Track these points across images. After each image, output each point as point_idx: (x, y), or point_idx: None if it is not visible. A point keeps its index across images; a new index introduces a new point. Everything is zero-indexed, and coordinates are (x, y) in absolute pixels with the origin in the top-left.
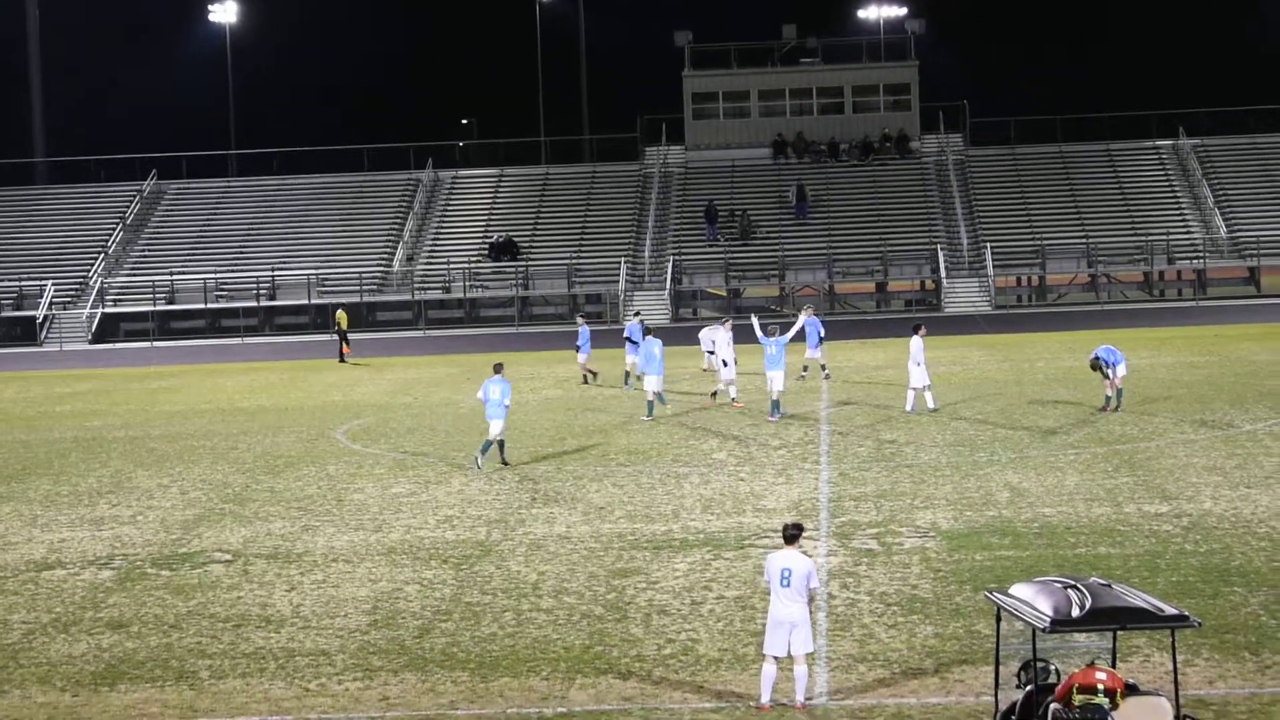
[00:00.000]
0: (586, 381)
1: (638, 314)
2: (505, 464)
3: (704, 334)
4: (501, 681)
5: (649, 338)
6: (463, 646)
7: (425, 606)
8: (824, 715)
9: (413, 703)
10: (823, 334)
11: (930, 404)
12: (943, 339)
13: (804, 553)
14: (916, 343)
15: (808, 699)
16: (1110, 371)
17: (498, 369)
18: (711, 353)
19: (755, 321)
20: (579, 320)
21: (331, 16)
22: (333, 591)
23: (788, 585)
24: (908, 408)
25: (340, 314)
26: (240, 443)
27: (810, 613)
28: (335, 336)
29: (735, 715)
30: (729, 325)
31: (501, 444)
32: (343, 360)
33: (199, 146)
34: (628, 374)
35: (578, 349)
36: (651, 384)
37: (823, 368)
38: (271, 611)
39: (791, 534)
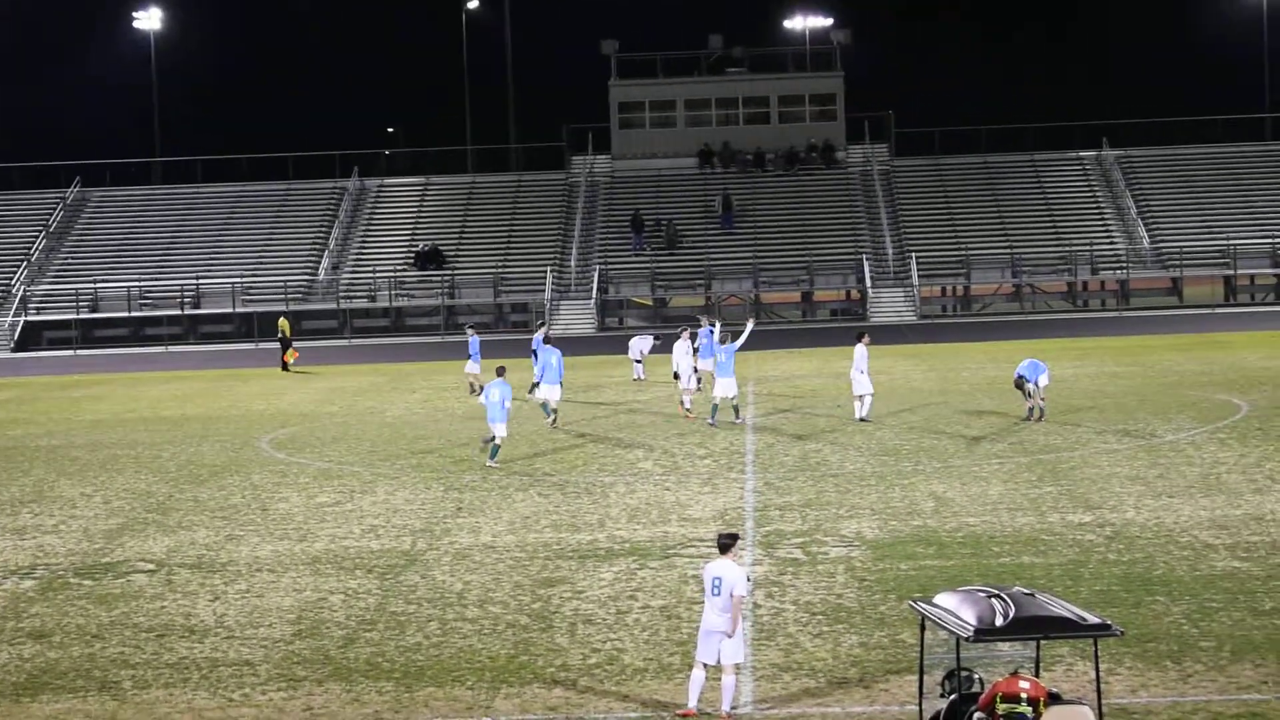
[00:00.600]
0: (474, 392)
1: (542, 324)
2: (491, 464)
3: (633, 343)
4: (426, 691)
5: (547, 347)
6: (388, 656)
7: (350, 616)
8: None
9: (337, 713)
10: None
11: (860, 413)
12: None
13: (738, 562)
14: (860, 351)
15: (734, 708)
16: (1032, 385)
17: (500, 372)
18: (639, 361)
19: (715, 329)
20: (469, 331)
21: (256, 24)
22: (257, 601)
23: (718, 594)
24: (857, 416)
25: (283, 321)
26: (164, 452)
27: (735, 618)
28: (278, 344)
29: None
30: (687, 335)
31: (496, 447)
32: (286, 368)
33: (123, 154)
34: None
35: (470, 358)
36: (551, 394)
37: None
38: (195, 621)
39: (724, 543)
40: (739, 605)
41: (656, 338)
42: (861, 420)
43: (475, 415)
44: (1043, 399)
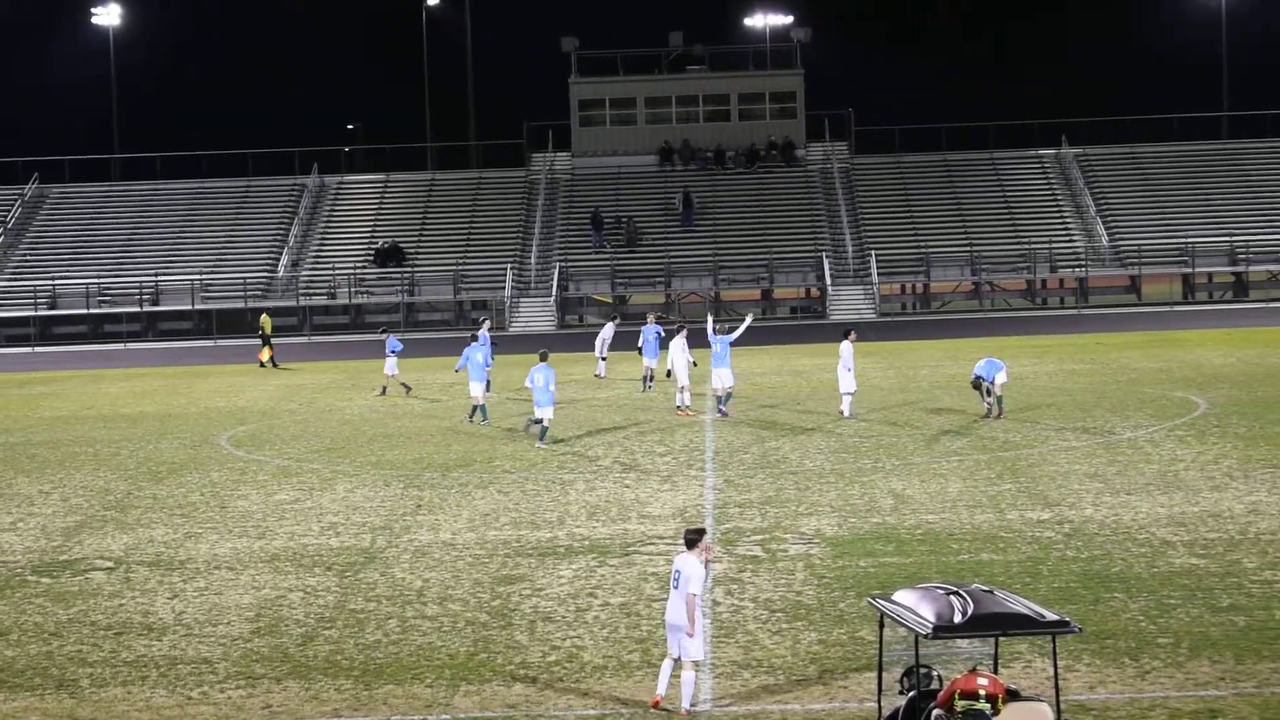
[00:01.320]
0: (384, 393)
1: (484, 320)
2: (540, 446)
3: (599, 340)
4: (386, 689)
5: (473, 344)
6: (347, 654)
7: (309, 614)
8: None
9: (296, 710)
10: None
11: (844, 411)
12: (827, 346)
13: (707, 560)
14: (846, 348)
15: (693, 706)
16: (989, 384)
17: (543, 357)
18: (604, 359)
19: (710, 321)
20: (382, 331)
21: (216, 21)
22: (215, 599)
23: (678, 587)
24: (845, 414)
25: (265, 318)
26: (123, 449)
27: (692, 616)
28: (259, 339)
29: None
30: (685, 333)
31: (545, 428)
32: (263, 365)
33: (82, 150)
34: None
35: (392, 354)
36: (474, 390)
37: (649, 378)
38: (154, 619)
39: (690, 539)
40: (693, 603)
41: (615, 317)
42: (846, 417)
43: (433, 414)
44: (1000, 395)
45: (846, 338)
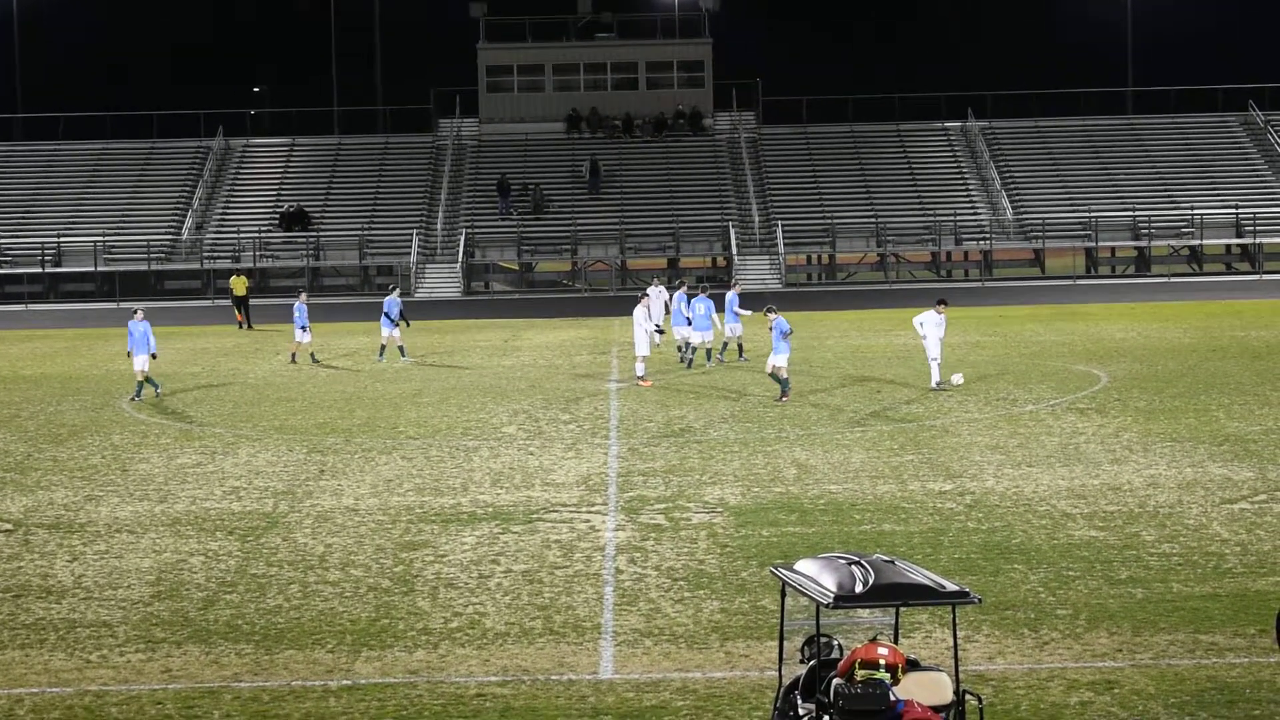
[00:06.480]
0: (294, 361)
1: (395, 289)
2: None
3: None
4: (286, 654)
5: (140, 322)
6: (247, 619)
7: (210, 578)
8: (609, 690)
9: (196, 674)
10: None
11: (936, 380)
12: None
13: None
14: (936, 317)
15: None
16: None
17: (769, 311)
18: (661, 330)
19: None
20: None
21: None
22: (116, 562)
23: None
24: (955, 380)
25: (237, 280)
26: (23, 410)
27: None
28: (232, 304)
29: (521, 689)
30: (646, 302)
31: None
32: (249, 326)
33: None
34: (383, 347)
35: (303, 328)
36: (139, 364)
37: (724, 346)
38: (52, 582)
39: None
40: None
41: (654, 281)
42: (939, 387)
43: (339, 379)
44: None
45: (938, 306)
